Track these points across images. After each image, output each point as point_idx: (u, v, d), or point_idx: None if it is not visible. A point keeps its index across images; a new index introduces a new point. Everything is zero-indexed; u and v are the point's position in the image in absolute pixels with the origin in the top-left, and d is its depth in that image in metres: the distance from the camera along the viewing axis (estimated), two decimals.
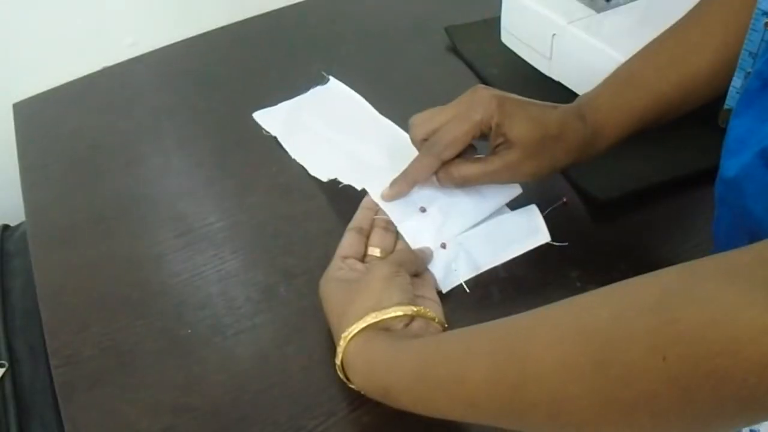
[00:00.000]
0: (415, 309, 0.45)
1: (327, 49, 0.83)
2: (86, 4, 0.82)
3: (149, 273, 0.57)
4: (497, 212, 0.57)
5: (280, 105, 0.72)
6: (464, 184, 0.54)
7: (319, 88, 0.72)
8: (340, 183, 0.58)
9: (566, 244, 0.54)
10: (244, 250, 0.58)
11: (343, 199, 0.57)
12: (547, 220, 0.56)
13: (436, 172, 0.53)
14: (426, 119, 0.53)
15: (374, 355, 0.43)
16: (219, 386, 0.48)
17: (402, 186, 0.54)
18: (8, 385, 0.57)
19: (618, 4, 0.69)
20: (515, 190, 0.56)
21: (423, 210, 0.55)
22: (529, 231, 0.55)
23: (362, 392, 0.45)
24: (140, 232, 0.60)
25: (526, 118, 0.51)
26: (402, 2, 0.91)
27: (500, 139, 0.52)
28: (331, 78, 0.72)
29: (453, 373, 0.38)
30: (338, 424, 0.46)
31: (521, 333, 0.36)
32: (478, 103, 0.51)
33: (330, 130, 0.66)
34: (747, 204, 0.37)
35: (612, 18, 0.67)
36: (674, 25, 0.55)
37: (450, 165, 0.53)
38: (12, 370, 0.59)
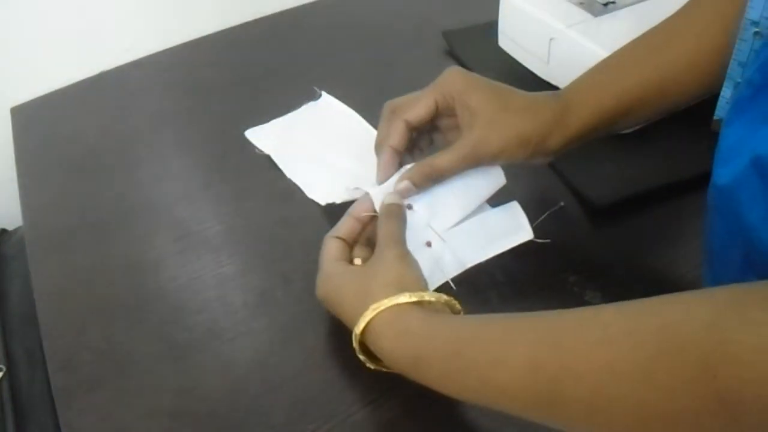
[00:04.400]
0: (446, 298, 0.45)
1: (324, 53, 0.83)
2: (83, 8, 0.82)
3: (147, 277, 0.57)
4: (480, 210, 0.56)
5: (272, 122, 0.71)
6: (441, 175, 0.53)
7: (311, 104, 0.72)
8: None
9: (548, 241, 0.53)
10: (241, 255, 0.58)
11: (341, 205, 0.57)
12: (544, 224, 0.56)
13: (412, 178, 0.53)
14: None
15: (409, 325, 0.42)
16: (216, 390, 0.48)
17: (387, 158, 0.54)
18: (5, 390, 0.57)
19: (615, 9, 0.69)
20: (499, 180, 0.56)
21: (410, 207, 0.55)
22: (512, 228, 0.55)
23: (385, 365, 0.44)
24: (138, 236, 0.60)
25: (487, 87, 0.53)
26: (399, 6, 0.92)
27: (465, 113, 0.52)
28: (324, 93, 0.72)
29: (490, 355, 0.37)
30: (336, 427, 0.46)
31: (568, 327, 0.35)
32: (442, 76, 0.54)
33: (324, 148, 0.66)
34: (740, 212, 0.37)
35: (609, 22, 0.67)
36: (664, 20, 0.55)
37: (422, 162, 0.53)
38: (9, 375, 0.58)
